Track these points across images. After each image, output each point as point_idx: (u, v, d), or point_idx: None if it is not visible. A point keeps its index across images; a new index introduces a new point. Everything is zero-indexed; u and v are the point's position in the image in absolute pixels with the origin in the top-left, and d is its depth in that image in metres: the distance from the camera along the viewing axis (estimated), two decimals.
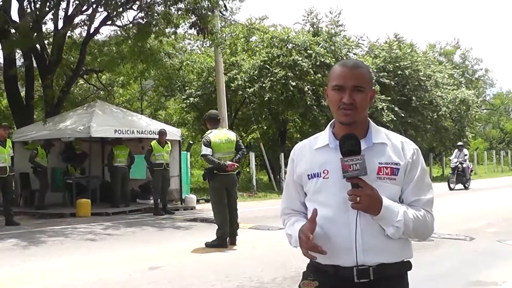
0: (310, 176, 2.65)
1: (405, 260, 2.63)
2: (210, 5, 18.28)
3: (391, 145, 2.63)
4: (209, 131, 10.30)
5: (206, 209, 17.08)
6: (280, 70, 24.56)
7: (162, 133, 16.29)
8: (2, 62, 19.67)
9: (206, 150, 10.00)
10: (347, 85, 2.56)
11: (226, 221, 10.14)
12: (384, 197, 2.49)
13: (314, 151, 2.69)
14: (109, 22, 20.11)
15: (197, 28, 18.68)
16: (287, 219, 2.80)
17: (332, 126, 2.71)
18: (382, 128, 2.74)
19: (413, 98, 32.49)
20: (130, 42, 20.78)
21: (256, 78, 25.25)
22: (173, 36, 22.01)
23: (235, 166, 10.19)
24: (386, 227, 2.51)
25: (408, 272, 2.68)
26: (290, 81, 24.31)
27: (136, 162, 17.62)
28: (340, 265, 2.56)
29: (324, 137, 2.70)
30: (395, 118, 28.94)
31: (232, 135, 10.54)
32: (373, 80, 2.71)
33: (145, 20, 19.04)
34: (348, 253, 2.53)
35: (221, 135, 10.32)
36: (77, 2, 18.34)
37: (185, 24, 19.79)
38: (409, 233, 2.55)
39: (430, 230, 2.66)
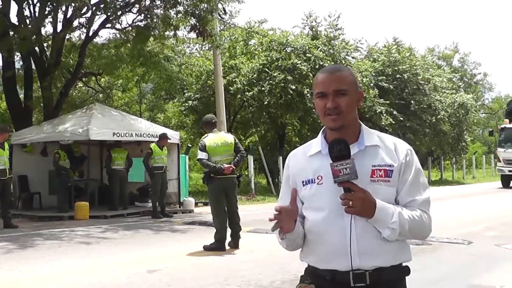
0: (304, 183, 2.66)
1: (402, 263, 2.63)
2: (209, 8, 18.29)
3: (384, 147, 2.63)
4: (205, 135, 10.35)
5: (204, 212, 17.09)
6: (279, 74, 24.56)
7: (164, 137, 16.27)
8: (0, 64, 19.64)
9: (201, 155, 10.06)
10: (329, 90, 2.58)
11: (224, 224, 10.14)
12: (377, 199, 2.49)
13: (308, 158, 2.70)
14: (108, 25, 20.12)
15: (197, 31, 18.68)
16: None
17: (324, 133, 2.72)
18: (374, 130, 2.75)
19: (412, 102, 32.52)
20: (129, 45, 20.79)
21: (255, 81, 25.26)
22: (172, 40, 22.03)
23: (232, 168, 10.17)
24: (381, 229, 2.51)
25: (406, 276, 2.67)
26: (290, 84, 24.31)
27: (135, 165, 17.61)
28: (336, 269, 2.55)
29: (316, 143, 2.71)
30: (393, 122, 28.96)
31: (230, 138, 10.55)
32: (358, 82, 2.71)
33: (144, 22, 19.05)
34: (343, 258, 2.53)
35: (217, 138, 10.32)
36: (76, 5, 18.34)
37: (185, 28, 19.76)
38: (405, 234, 2.54)
39: (427, 230, 2.65)
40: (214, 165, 9.98)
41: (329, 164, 2.47)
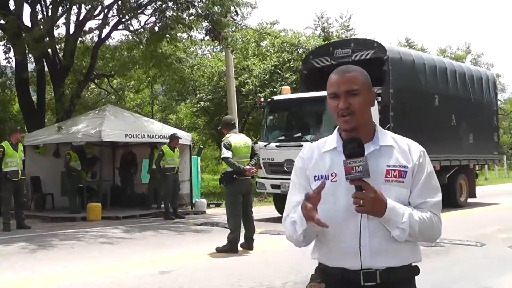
0: (316, 178, 2.65)
1: (413, 264, 2.63)
2: (222, 11, 18.30)
3: (398, 147, 2.63)
4: (228, 134, 10.35)
5: (216, 213, 17.11)
6: (291, 75, 24.58)
7: (174, 137, 16.31)
8: (14, 66, 19.76)
9: (227, 153, 10.00)
10: (340, 91, 2.58)
11: (239, 225, 10.15)
12: (389, 199, 2.49)
13: (322, 154, 2.69)
14: (120, 27, 20.19)
15: (212, 35, 18.66)
16: (289, 219, 2.69)
17: (340, 130, 2.71)
18: (388, 131, 2.74)
19: None
20: (142, 47, 20.86)
21: (267, 82, 25.28)
22: (184, 41, 22.08)
23: (254, 170, 10.25)
24: (391, 229, 2.51)
25: (419, 277, 2.67)
26: None
27: (145, 166, 17.81)
28: (347, 268, 2.56)
29: (331, 140, 2.71)
30: None
31: (249, 140, 10.71)
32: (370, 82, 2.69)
33: (158, 24, 19.11)
34: (354, 257, 2.53)
35: (239, 139, 10.46)
36: (89, 7, 18.42)
37: (197, 30, 19.79)
38: (415, 235, 2.54)
39: (437, 232, 2.65)
40: (239, 165, 10.01)
41: (342, 161, 2.48)
